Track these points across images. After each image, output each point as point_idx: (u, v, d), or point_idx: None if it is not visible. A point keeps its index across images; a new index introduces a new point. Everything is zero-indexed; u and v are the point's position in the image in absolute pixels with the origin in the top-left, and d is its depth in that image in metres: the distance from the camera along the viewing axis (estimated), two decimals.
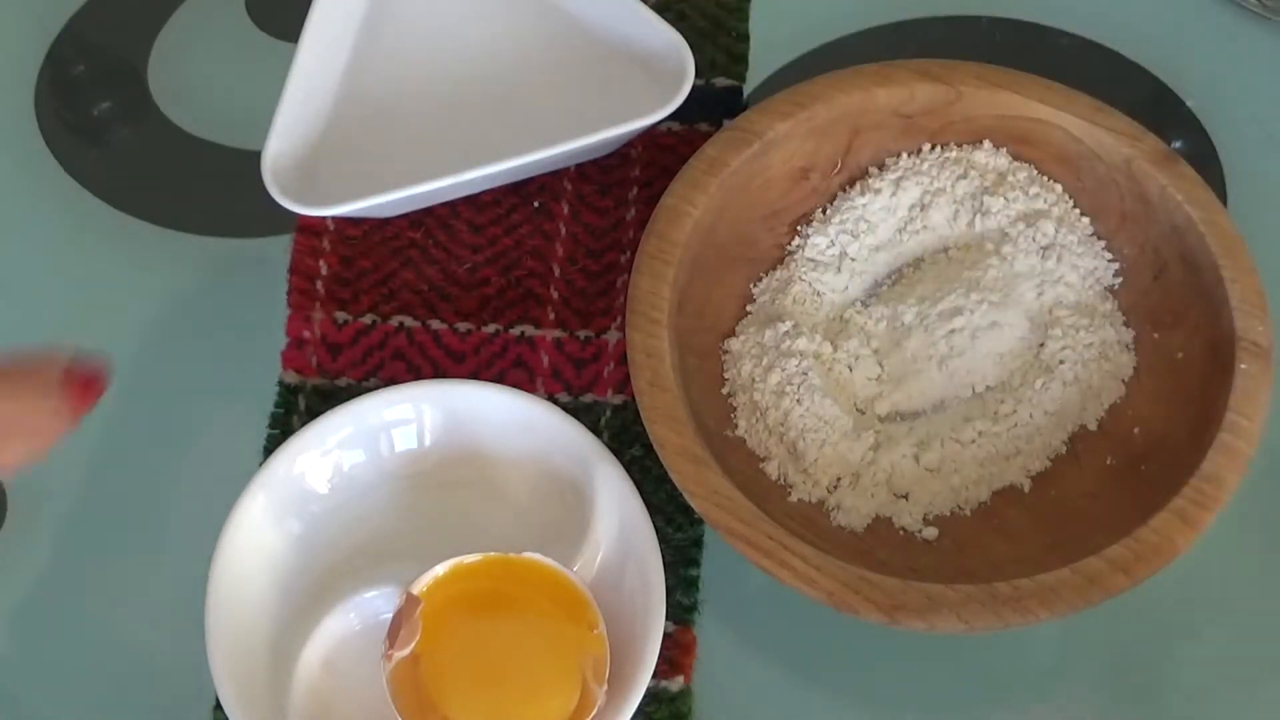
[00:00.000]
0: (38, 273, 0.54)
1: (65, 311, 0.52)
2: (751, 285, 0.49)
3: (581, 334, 0.50)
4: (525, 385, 0.48)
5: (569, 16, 0.54)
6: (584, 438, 0.43)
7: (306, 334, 0.50)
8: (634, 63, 0.52)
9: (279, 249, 0.52)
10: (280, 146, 0.49)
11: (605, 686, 0.39)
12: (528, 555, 0.40)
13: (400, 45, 0.55)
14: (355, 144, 0.52)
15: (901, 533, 0.45)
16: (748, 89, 0.56)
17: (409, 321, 0.50)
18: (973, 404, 0.46)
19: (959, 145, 0.50)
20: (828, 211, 0.50)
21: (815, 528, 0.44)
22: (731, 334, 0.48)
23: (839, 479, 0.45)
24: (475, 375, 0.49)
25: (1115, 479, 0.45)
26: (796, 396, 0.45)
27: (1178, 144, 0.54)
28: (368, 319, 0.50)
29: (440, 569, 0.40)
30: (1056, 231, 0.48)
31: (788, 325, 0.47)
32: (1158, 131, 0.48)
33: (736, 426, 0.46)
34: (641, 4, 0.51)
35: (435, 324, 0.50)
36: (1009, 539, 0.44)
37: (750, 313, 0.49)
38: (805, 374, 0.46)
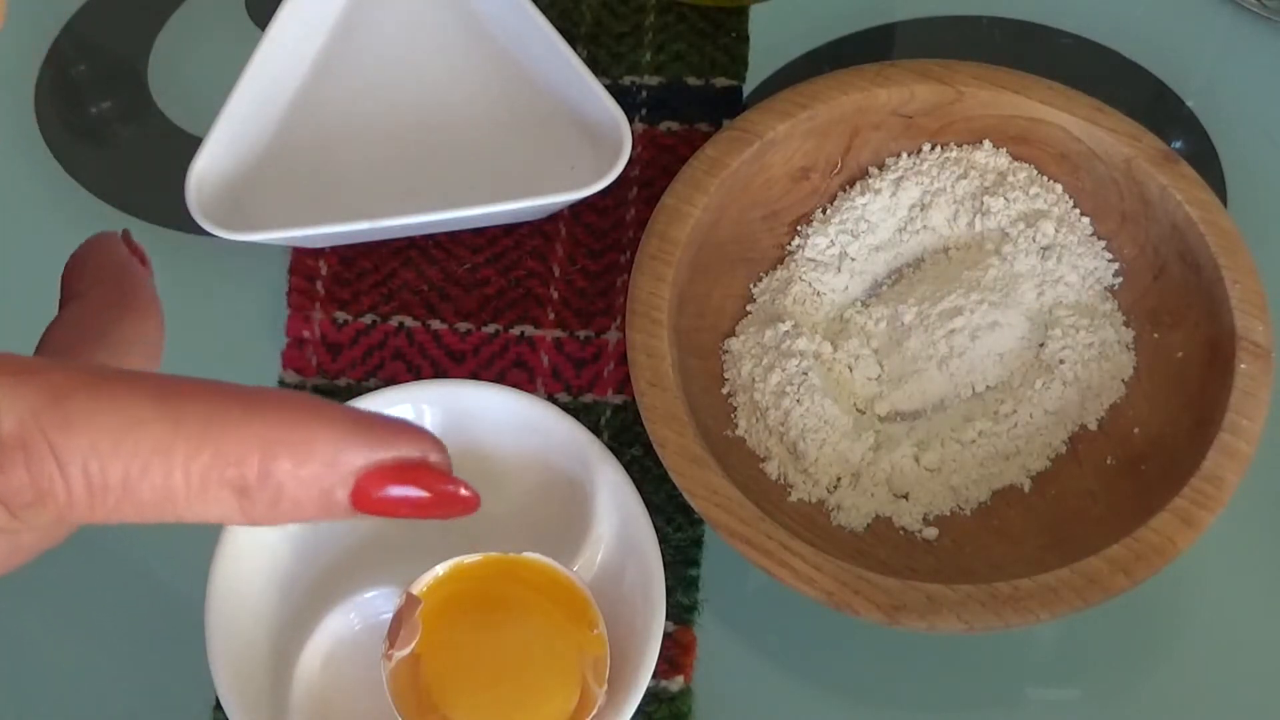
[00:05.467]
0: (38, 273, 0.53)
1: None
2: (751, 285, 0.49)
3: (581, 334, 0.50)
4: (525, 385, 0.48)
5: (524, 73, 0.54)
6: (584, 438, 0.43)
7: (306, 334, 0.50)
8: (578, 130, 0.52)
9: (279, 248, 0.52)
10: (209, 165, 0.50)
11: (605, 687, 0.39)
12: (528, 555, 0.40)
13: (356, 79, 0.55)
14: (291, 172, 0.52)
15: (901, 533, 0.45)
16: (748, 89, 0.56)
17: (409, 321, 0.50)
18: (973, 404, 0.46)
19: (959, 145, 0.50)
20: (828, 211, 0.50)
21: (815, 528, 0.44)
22: (731, 334, 0.48)
23: (839, 479, 0.45)
24: (475, 375, 0.49)
25: (1115, 479, 0.45)
26: (796, 396, 0.45)
27: (1178, 144, 0.54)
28: (368, 319, 0.50)
29: (440, 569, 0.40)
30: (1056, 231, 0.48)
31: (788, 325, 0.47)
32: (1158, 131, 0.48)
33: (736, 426, 0.46)
34: (590, 75, 0.51)
35: (435, 324, 0.50)
36: (1009, 539, 0.44)
37: (750, 313, 0.49)
38: (805, 374, 0.46)
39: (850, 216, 0.49)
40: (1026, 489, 0.45)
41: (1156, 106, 0.55)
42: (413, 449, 0.23)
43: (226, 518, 0.22)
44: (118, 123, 0.58)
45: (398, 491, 0.23)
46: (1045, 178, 0.50)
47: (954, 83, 0.49)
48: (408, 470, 0.23)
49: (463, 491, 0.24)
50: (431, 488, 0.23)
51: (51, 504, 0.21)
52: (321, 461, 0.22)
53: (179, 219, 0.50)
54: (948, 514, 0.45)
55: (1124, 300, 0.48)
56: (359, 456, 0.22)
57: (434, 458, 0.23)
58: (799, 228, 0.50)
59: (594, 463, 0.42)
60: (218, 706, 0.43)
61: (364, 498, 0.22)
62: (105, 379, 0.21)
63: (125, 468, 0.21)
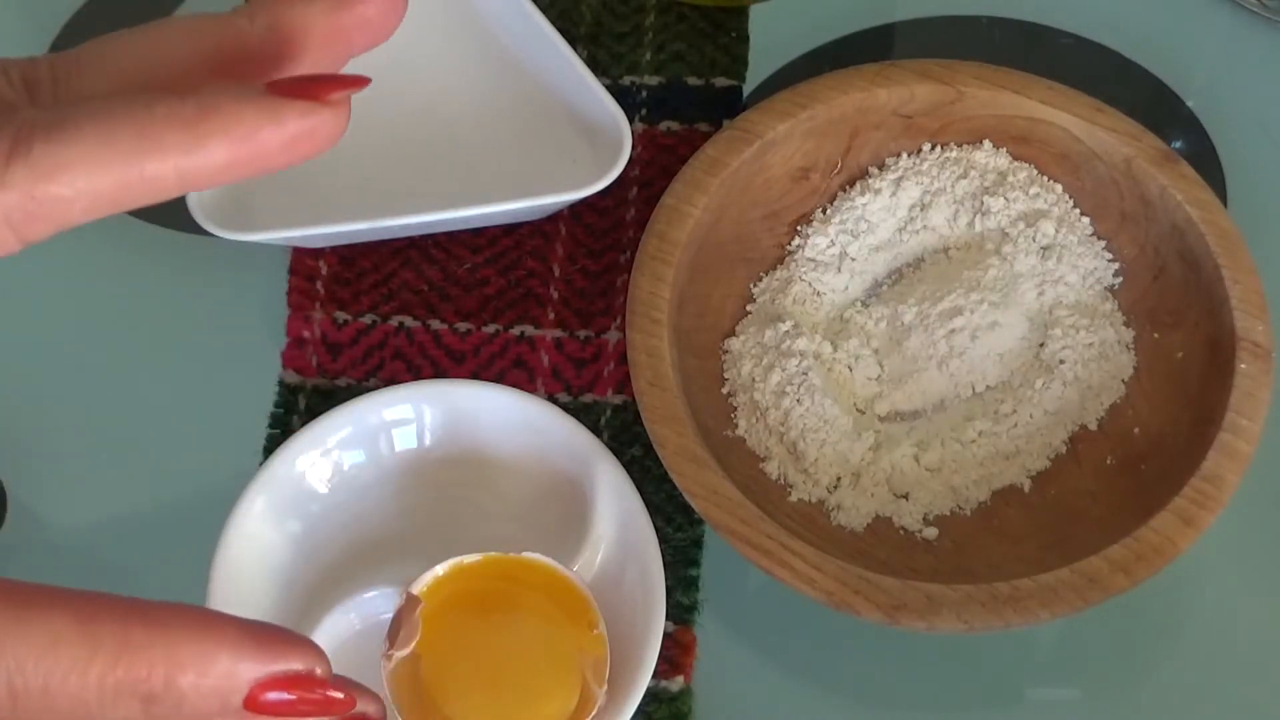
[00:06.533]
0: (38, 273, 0.54)
1: (65, 312, 0.52)
2: (751, 285, 0.49)
3: (581, 334, 0.50)
4: (525, 385, 0.48)
5: (524, 73, 0.54)
6: (584, 438, 0.43)
7: (306, 334, 0.50)
8: (578, 130, 0.52)
9: (279, 248, 0.52)
10: None
11: (605, 687, 0.39)
12: (528, 555, 0.40)
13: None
14: (291, 172, 0.52)
15: (901, 533, 0.45)
16: (748, 89, 0.56)
17: (409, 321, 0.50)
18: (973, 404, 0.46)
19: (959, 145, 0.50)
20: (828, 211, 0.50)
21: (815, 528, 0.44)
22: (731, 334, 0.48)
23: (839, 479, 0.45)
24: (475, 375, 0.49)
25: (1115, 479, 0.45)
26: (796, 396, 0.45)
27: (1178, 144, 0.54)
28: (368, 319, 0.50)
29: (440, 569, 0.40)
30: (1056, 231, 0.48)
31: (788, 325, 0.47)
32: (1158, 131, 0.48)
33: (736, 426, 0.46)
34: (590, 75, 0.51)
35: (435, 324, 0.50)
36: (1009, 539, 0.44)
37: (750, 313, 0.49)
38: (805, 374, 0.46)
39: (850, 216, 0.49)
40: (1026, 489, 0.45)
41: (1156, 106, 0.55)
42: (301, 662, 0.26)
43: (130, 717, 0.24)
44: None
45: (286, 696, 0.26)
46: (1045, 178, 0.49)
47: (954, 83, 0.49)
48: (295, 680, 0.26)
49: (338, 695, 0.26)
50: (315, 695, 0.26)
51: None
52: (221, 675, 0.25)
53: (179, 219, 0.50)
54: (948, 514, 0.45)
55: (1124, 300, 0.48)
56: (254, 670, 0.25)
57: (319, 670, 0.26)
58: (799, 228, 0.50)
59: (594, 463, 0.42)
60: None
61: (254, 702, 0.25)
62: (28, 598, 0.24)
63: (46, 681, 0.23)
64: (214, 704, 0.25)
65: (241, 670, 0.25)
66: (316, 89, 0.26)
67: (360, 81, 0.26)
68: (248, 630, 0.25)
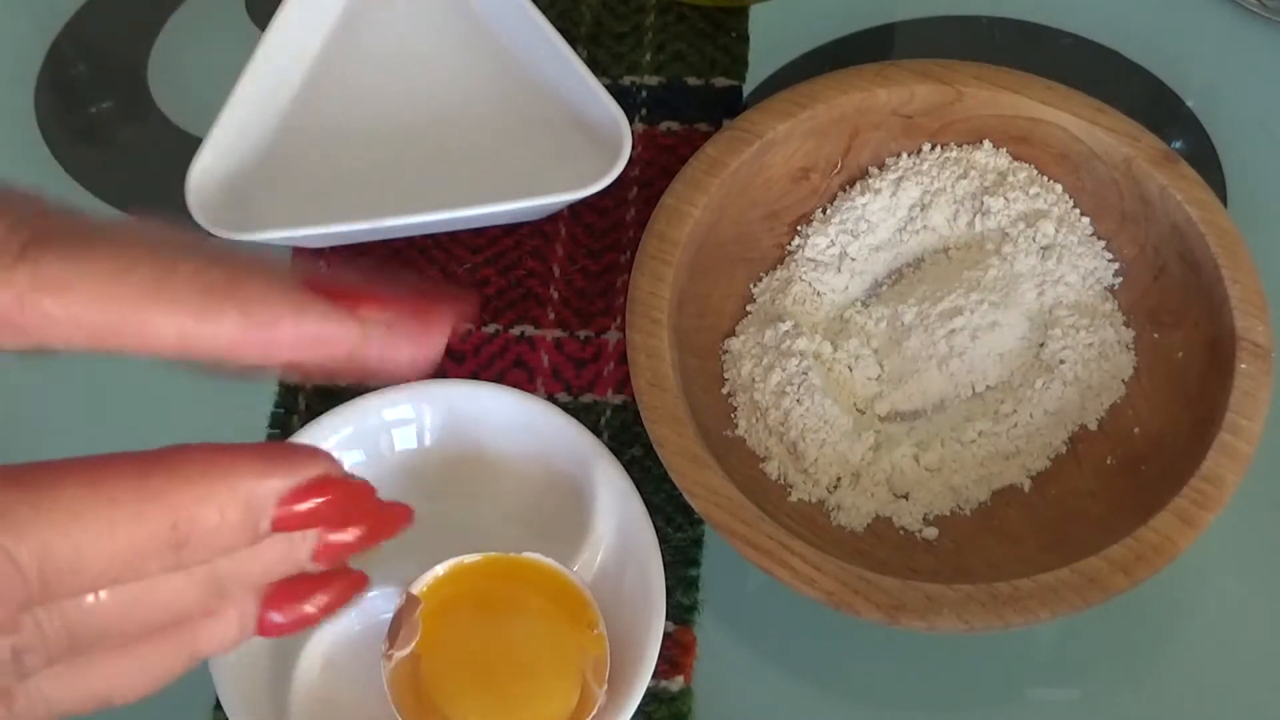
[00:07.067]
0: None
1: None
2: (751, 285, 0.49)
3: (581, 334, 0.50)
4: (525, 385, 0.48)
5: (524, 73, 0.54)
6: (584, 438, 0.43)
7: None
8: (578, 130, 0.52)
9: (280, 248, 0.52)
10: (209, 165, 0.50)
11: (605, 687, 0.39)
12: (528, 555, 0.40)
13: (357, 79, 0.55)
14: (291, 172, 0.52)
15: (901, 533, 0.45)
16: (748, 89, 0.56)
17: None
18: (973, 404, 0.46)
19: (959, 145, 0.50)
20: (828, 211, 0.50)
21: (815, 528, 0.44)
22: (731, 334, 0.48)
23: (839, 479, 0.45)
24: (475, 375, 0.49)
25: (1115, 479, 0.45)
26: (796, 396, 0.45)
27: (1178, 144, 0.54)
28: None
29: (440, 569, 0.40)
30: (1056, 231, 0.48)
31: (788, 325, 0.47)
32: (1158, 131, 0.48)
33: (736, 426, 0.46)
34: (590, 75, 0.51)
35: None
36: (1009, 539, 0.44)
37: (750, 313, 0.49)
38: (805, 374, 0.46)
39: (850, 216, 0.49)
40: (1026, 489, 0.45)
41: (1156, 106, 0.55)
42: (318, 468, 0.25)
43: (164, 567, 0.24)
44: (118, 123, 0.58)
45: (309, 504, 0.25)
46: (1045, 178, 0.49)
47: (954, 83, 0.49)
48: (315, 485, 0.25)
49: (357, 485, 0.26)
50: (335, 492, 0.25)
51: (17, 591, 0.23)
52: (245, 501, 0.24)
53: (179, 219, 0.50)
54: (948, 514, 0.45)
55: (1124, 300, 0.48)
56: (278, 486, 0.24)
57: (335, 471, 0.26)
58: (799, 228, 0.50)
59: (594, 463, 0.42)
60: (218, 706, 0.43)
61: (284, 520, 0.25)
62: (38, 479, 0.23)
63: (74, 554, 0.23)
64: (243, 535, 0.24)
65: (264, 492, 0.24)
66: (353, 297, 0.25)
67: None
68: (259, 451, 0.25)
